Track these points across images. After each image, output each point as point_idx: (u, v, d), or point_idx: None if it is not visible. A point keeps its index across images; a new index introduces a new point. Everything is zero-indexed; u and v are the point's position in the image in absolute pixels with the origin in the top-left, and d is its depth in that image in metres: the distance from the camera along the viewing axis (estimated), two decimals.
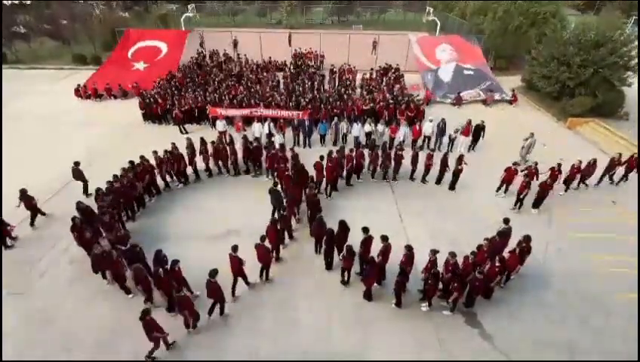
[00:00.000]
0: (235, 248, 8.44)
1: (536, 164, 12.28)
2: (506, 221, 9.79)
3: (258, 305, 8.88)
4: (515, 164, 12.49)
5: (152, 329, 7.21)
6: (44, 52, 31.19)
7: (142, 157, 12.16)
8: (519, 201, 12.07)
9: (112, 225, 9.72)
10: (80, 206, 10.12)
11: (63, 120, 18.57)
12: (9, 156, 14.77)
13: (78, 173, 12.20)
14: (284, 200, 11.17)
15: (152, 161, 12.34)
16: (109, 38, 29.31)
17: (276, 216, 10.31)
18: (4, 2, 32.55)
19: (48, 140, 16.53)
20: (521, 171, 12.30)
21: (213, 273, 7.80)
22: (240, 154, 13.71)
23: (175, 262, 8.26)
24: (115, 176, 11.21)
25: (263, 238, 8.92)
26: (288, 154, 13.12)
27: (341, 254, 9.26)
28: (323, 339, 8.13)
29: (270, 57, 24.68)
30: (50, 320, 8.42)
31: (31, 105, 20.50)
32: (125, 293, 8.91)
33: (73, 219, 9.40)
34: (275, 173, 12.86)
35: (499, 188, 12.91)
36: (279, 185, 11.78)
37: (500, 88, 22.27)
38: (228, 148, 13.60)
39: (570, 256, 10.40)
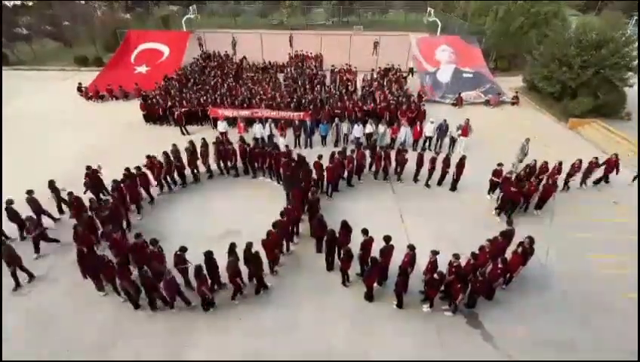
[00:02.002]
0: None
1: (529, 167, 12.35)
2: (510, 223, 9.78)
3: (259, 305, 8.90)
4: (499, 165, 12.43)
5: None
6: (45, 53, 31.30)
7: (147, 160, 12.19)
8: (525, 203, 12.03)
9: (162, 258, 9.01)
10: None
11: (65, 120, 18.63)
12: (11, 156, 14.86)
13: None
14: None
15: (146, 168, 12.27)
16: (111, 40, 29.41)
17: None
18: (6, 3, 32.74)
19: (50, 141, 16.58)
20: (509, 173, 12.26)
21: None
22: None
23: (251, 243, 8.73)
24: (114, 179, 11.12)
25: (275, 225, 9.25)
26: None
27: (341, 257, 9.29)
28: (324, 340, 8.13)
29: (269, 61, 24.64)
30: (52, 321, 8.44)
31: (33, 105, 20.60)
32: (205, 310, 8.60)
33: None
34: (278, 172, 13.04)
35: (491, 191, 12.79)
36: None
37: (499, 91, 22.23)
38: (228, 148, 13.57)
39: (572, 257, 10.39)
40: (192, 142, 13.55)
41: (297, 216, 10.69)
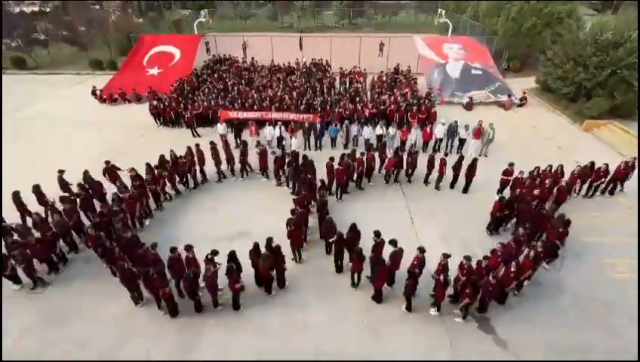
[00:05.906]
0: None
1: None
2: (525, 227, 9.61)
3: (267, 305, 8.92)
4: (511, 165, 12.26)
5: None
6: (62, 58, 32.05)
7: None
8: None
9: (197, 262, 8.90)
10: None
11: (79, 123, 19.01)
12: (25, 158, 15.30)
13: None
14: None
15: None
16: (125, 43, 29.99)
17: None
18: (25, 9, 33.66)
19: (63, 143, 16.93)
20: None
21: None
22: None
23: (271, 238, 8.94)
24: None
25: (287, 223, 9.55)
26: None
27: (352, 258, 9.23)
28: (332, 341, 8.11)
29: (278, 63, 24.74)
30: (65, 320, 8.59)
31: (48, 108, 21.09)
32: (235, 309, 8.83)
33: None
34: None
35: (500, 191, 12.55)
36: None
37: (508, 90, 21.88)
38: (225, 151, 13.63)
39: (585, 260, 10.16)
40: (189, 148, 13.39)
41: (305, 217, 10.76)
